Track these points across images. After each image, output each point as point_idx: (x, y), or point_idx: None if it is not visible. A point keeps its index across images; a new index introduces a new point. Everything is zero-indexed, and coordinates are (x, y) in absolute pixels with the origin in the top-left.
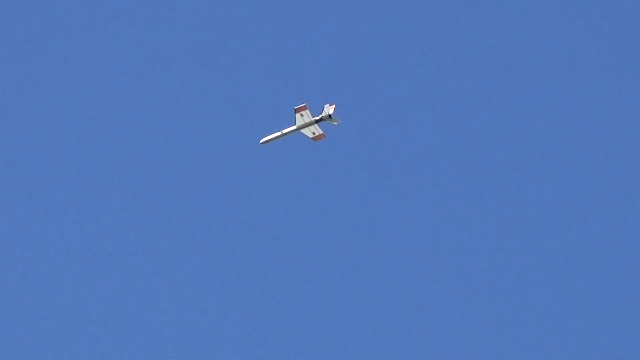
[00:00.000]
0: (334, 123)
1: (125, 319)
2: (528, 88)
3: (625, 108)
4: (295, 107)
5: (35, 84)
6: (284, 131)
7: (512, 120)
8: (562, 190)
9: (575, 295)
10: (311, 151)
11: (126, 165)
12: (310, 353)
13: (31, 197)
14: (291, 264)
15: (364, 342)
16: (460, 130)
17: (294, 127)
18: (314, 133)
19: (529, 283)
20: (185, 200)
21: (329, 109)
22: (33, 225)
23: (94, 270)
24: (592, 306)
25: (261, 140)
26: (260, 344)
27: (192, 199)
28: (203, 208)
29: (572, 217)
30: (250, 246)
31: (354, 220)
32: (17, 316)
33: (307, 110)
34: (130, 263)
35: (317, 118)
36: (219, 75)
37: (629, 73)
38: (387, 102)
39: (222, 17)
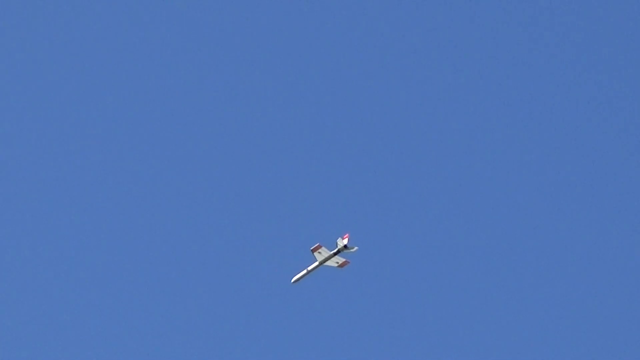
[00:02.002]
0: (352, 250)
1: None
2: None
3: (625, 109)
4: (311, 248)
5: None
6: (309, 268)
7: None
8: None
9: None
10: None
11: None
12: None
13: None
14: None
15: None
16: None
17: (317, 264)
18: (337, 262)
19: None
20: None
21: (342, 242)
22: (30, 227)
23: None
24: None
25: (292, 280)
26: None
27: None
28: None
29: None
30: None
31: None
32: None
33: (323, 248)
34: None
35: (335, 252)
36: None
37: (628, 73)
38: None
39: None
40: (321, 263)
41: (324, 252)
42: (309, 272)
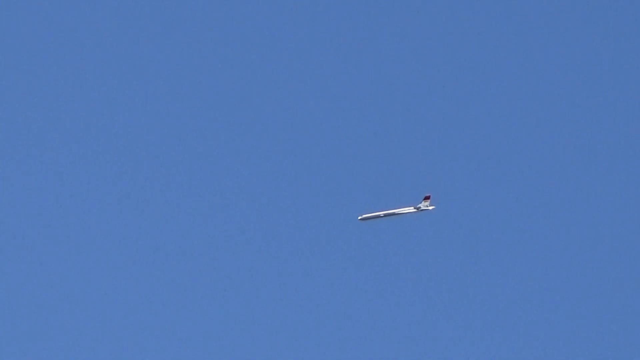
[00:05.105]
0: (429, 208)
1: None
2: None
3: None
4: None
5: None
6: (383, 213)
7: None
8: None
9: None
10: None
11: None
12: None
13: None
14: None
15: None
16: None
17: (391, 211)
18: (412, 210)
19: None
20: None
21: (425, 203)
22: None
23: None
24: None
25: (360, 217)
26: None
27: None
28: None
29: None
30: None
31: None
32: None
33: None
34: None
35: (415, 208)
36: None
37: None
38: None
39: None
40: (395, 214)
41: (406, 209)
42: (380, 216)
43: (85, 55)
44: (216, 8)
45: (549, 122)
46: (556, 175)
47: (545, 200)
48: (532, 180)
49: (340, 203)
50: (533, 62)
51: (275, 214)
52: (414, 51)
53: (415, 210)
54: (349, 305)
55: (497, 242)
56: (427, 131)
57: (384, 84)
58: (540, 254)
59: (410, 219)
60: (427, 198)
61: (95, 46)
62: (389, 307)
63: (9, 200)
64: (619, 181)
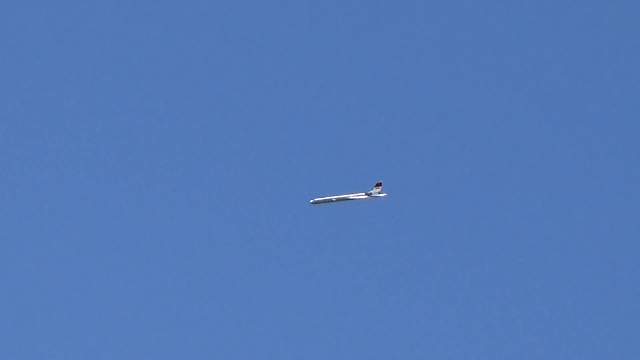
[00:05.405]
0: (381, 195)
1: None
2: None
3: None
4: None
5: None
6: (334, 198)
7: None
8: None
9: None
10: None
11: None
12: None
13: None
14: None
15: None
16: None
17: (343, 196)
18: (364, 196)
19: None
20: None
21: (376, 190)
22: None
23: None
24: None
25: (312, 201)
26: None
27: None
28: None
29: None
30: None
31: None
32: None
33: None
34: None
35: (366, 194)
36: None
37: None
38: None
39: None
40: (347, 199)
41: (358, 194)
42: (332, 200)
43: (86, 55)
44: (216, 8)
45: (500, 110)
46: (507, 163)
47: (497, 188)
48: (484, 169)
49: (292, 186)
50: (487, 51)
51: (227, 197)
52: (363, 37)
53: (367, 196)
54: (299, 289)
55: (449, 232)
56: (381, 118)
57: (336, 68)
58: (492, 241)
59: (361, 205)
60: (378, 185)
61: (95, 46)
62: (339, 291)
63: (8, 201)
64: (577, 172)
